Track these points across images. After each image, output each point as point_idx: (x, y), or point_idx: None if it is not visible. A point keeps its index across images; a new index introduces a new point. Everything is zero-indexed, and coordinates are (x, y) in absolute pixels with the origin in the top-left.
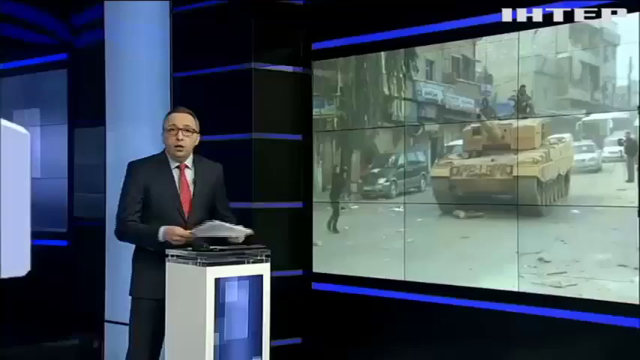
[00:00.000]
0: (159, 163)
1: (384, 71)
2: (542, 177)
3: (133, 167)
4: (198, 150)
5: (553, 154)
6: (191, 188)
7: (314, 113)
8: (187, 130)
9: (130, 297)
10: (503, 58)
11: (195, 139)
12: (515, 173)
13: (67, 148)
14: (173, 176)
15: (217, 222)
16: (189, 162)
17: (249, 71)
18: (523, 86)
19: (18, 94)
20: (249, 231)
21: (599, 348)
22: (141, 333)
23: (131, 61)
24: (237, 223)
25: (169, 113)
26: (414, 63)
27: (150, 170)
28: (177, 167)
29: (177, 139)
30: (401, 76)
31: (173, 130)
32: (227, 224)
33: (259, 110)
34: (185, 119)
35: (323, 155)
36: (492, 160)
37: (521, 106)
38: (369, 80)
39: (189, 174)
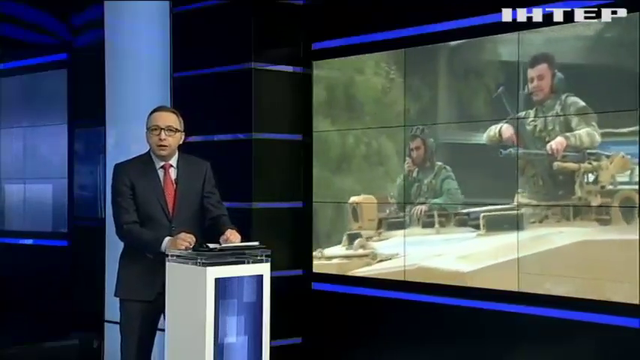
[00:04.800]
0: (143, 163)
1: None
2: None
3: (119, 169)
4: (196, 150)
5: None
6: (175, 188)
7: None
8: (170, 130)
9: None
10: None
11: (180, 138)
12: None
13: (67, 148)
14: (158, 176)
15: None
16: (173, 161)
17: (249, 71)
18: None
19: (18, 94)
20: (255, 244)
21: (599, 348)
22: (129, 334)
23: (131, 61)
24: (236, 223)
25: (152, 112)
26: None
27: (135, 171)
28: (162, 167)
29: (160, 139)
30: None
31: (156, 129)
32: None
33: (259, 110)
34: (168, 119)
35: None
36: None
37: None
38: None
39: (173, 173)
